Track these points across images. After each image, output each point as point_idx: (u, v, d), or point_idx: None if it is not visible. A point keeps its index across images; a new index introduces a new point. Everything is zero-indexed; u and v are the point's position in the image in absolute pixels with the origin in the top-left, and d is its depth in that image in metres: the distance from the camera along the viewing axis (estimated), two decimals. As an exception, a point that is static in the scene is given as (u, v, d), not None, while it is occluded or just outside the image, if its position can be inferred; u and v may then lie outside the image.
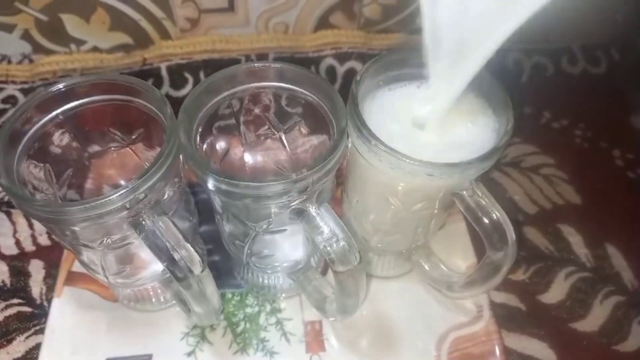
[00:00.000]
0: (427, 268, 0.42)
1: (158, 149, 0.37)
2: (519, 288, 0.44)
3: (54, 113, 0.32)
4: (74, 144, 0.35)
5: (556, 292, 0.44)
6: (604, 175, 0.52)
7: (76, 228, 0.31)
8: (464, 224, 0.46)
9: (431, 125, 0.31)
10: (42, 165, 0.33)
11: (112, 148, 0.36)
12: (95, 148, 0.36)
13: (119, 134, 0.35)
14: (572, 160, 0.53)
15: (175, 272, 0.30)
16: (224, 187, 0.29)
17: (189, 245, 0.30)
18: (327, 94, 0.33)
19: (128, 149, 0.37)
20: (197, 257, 0.30)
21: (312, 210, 0.31)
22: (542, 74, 0.60)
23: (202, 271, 0.31)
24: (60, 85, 0.32)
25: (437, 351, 0.40)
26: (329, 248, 0.30)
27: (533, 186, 0.51)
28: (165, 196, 0.32)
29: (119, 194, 0.28)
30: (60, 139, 0.34)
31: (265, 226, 0.33)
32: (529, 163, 0.52)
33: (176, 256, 0.30)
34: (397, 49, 0.35)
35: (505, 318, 0.42)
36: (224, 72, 0.34)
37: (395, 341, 0.41)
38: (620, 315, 0.43)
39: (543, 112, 0.57)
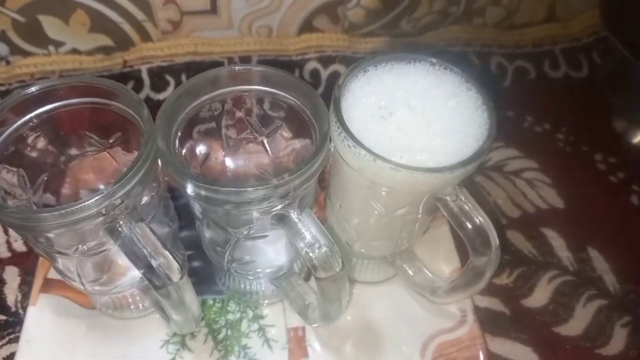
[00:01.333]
0: (411, 273, 0.41)
1: (136, 153, 0.36)
2: (502, 292, 0.44)
3: (29, 116, 0.31)
4: (50, 148, 0.34)
5: (539, 296, 0.44)
6: (586, 179, 0.52)
7: (50, 235, 0.30)
8: (448, 228, 0.46)
9: None
10: (15, 170, 0.32)
11: (89, 152, 0.35)
12: (71, 152, 0.35)
13: (95, 137, 0.35)
14: (554, 164, 0.53)
15: (153, 279, 0.29)
16: (203, 192, 0.29)
17: (167, 252, 0.29)
18: (309, 98, 0.33)
19: (105, 152, 0.36)
20: (175, 264, 0.30)
21: (294, 215, 0.30)
22: (524, 77, 0.61)
23: (180, 278, 0.30)
24: (35, 88, 0.31)
25: (422, 357, 0.40)
26: (310, 254, 0.30)
27: (516, 190, 0.51)
28: (143, 201, 0.31)
29: (94, 199, 0.27)
30: (35, 143, 0.33)
31: (246, 232, 0.33)
32: (512, 167, 0.52)
33: (154, 263, 0.29)
34: (380, 52, 0.35)
35: (489, 322, 0.42)
36: (204, 75, 0.33)
37: (379, 347, 0.40)
38: (603, 318, 0.43)
39: (525, 116, 0.57)
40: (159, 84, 0.56)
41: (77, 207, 0.27)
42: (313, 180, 0.31)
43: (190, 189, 0.29)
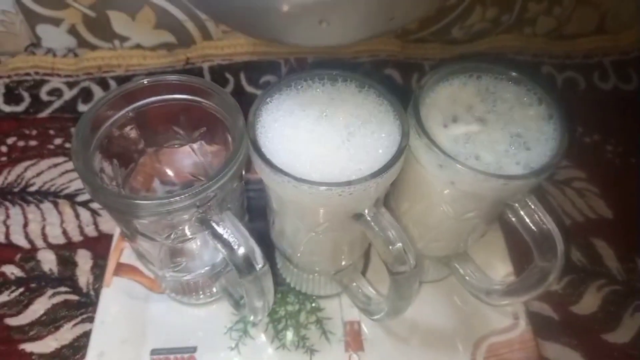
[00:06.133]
0: (466, 274, 0.43)
1: (215, 146, 0.38)
2: (552, 298, 0.45)
3: (125, 110, 0.34)
4: (139, 140, 0.36)
5: (588, 304, 0.45)
6: (635, 190, 0.53)
7: (144, 221, 0.32)
8: (501, 232, 0.47)
9: None
10: (109, 159, 0.34)
11: (174, 145, 0.37)
12: (157, 144, 0.37)
13: (181, 132, 0.37)
14: (603, 175, 0.54)
15: (240, 267, 0.31)
16: (291, 185, 0.30)
17: (252, 240, 0.31)
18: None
19: (187, 146, 0.38)
20: (259, 252, 0.31)
21: (370, 214, 0.32)
22: (574, 88, 0.62)
23: (263, 266, 0.32)
24: (134, 84, 0.33)
25: (473, 356, 0.41)
26: (386, 250, 0.31)
27: (565, 199, 0.52)
28: (230, 194, 0.33)
29: (191, 192, 0.29)
30: (128, 135, 0.35)
31: (320, 229, 0.35)
32: (562, 176, 0.53)
33: (241, 251, 0.31)
34: (460, 59, 0.36)
35: (539, 326, 0.43)
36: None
37: (432, 344, 0.42)
38: (651, 328, 0.44)
39: (575, 126, 0.58)
40: (219, 81, 0.59)
41: (175, 198, 0.29)
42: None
43: (278, 180, 0.30)
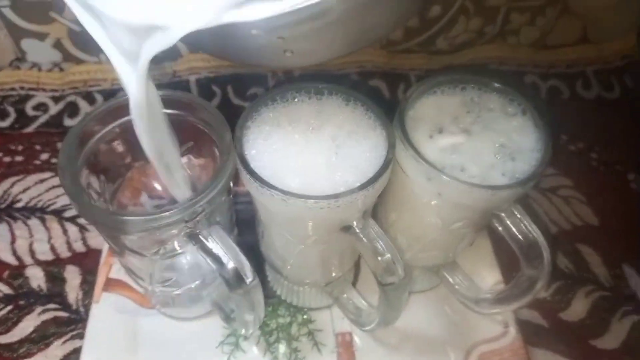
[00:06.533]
0: (455, 283, 0.43)
1: (203, 160, 0.38)
2: (541, 305, 0.46)
3: (112, 125, 0.34)
4: (126, 155, 0.36)
5: (577, 310, 0.46)
6: (620, 197, 0.54)
7: (132, 237, 0.32)
8: (489, 240, 0.47)
9: None
10: (96, 175, 0.34)
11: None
12: (143, 159, 0.37)
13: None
14: (589, 182, 0.55)
15: (230, 281, 0.31)
16: (278, 198, 0.30)
17: (242, 254, 0.31)
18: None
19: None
20: (249, 266, 0.32)
21: (358, 225, 0.32)
22: (558, 97, 0.62)
23: (252, 280, 0.32)
24: (120, 99, 0.33)
25: (464, 364, 0.41)
26: (375, 262, 0.32)
27: (552, 206, 0.52)
28: (218, 208, 0.33)
29: (179, 208, 0.29)
30: (115, 150, 0.35)
31: (309, 242, 0.35)
32: (548, 184, 0.54)
33: (230, 265, 0.31)
34: (445, 70, 0.37)
35: (529, 334, 0.44)
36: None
37: (423, 353, 0.42)
38: (638, 334, 0.44)
39: (560, 134, 0.59)
40: (206, 93, 0.59)
41: (163, 214, 0.29)
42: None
43: (265, 194, 0.31)
